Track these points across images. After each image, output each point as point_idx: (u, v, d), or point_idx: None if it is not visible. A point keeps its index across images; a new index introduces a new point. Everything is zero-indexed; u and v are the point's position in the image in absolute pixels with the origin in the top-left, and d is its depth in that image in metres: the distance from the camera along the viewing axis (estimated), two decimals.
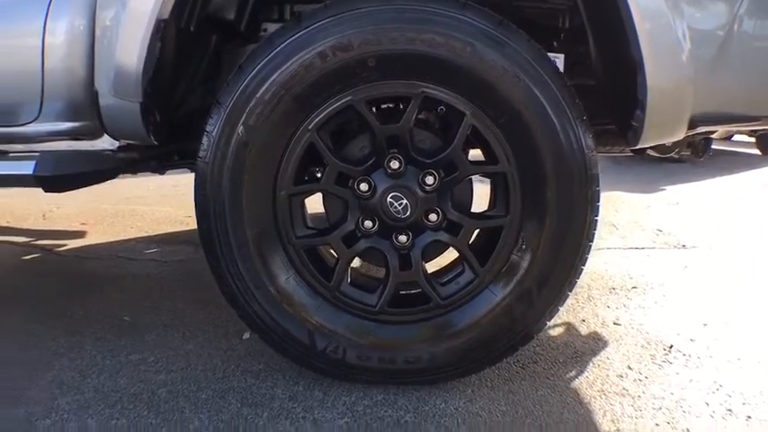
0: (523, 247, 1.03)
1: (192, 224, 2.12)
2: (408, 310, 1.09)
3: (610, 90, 1.18)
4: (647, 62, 0.97)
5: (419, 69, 0.98)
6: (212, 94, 1.28)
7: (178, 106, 1.28)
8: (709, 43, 1.02)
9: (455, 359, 1.07)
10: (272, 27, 1.35)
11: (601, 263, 1.91)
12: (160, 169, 1.55)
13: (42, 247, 2.10)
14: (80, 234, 2.26)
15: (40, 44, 1.14)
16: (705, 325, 1.37)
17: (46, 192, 1.27)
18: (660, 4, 0.96)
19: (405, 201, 1.03)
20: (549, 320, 1.07)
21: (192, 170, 1.11)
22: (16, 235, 2.26)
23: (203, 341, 1.30)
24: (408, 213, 1.04)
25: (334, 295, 1.07)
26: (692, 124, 1.05)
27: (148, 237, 2.21)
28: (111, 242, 2.14)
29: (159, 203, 2.76)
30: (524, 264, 1.03)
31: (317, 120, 1.02)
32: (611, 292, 1.65)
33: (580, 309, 1.52)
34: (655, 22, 0.97)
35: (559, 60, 1.18)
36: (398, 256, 1.07)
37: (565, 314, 1.46)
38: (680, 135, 1.07)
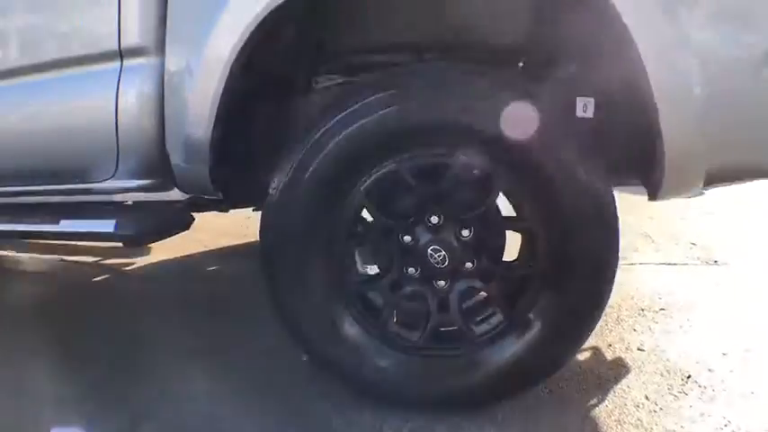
0: (550, 292, 1.16)
1: (251, 237, 2.32)
2: (447, 346, 1.24)
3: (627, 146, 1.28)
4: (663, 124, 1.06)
5: (460, 138, 1.11)
6: (272, 145, 1.43)
7: (244, 161, 1.45)
8: (726, 97, 1.08)
9: (488, 388, 1.21)
10: (322, 79, 1.50)
11: (634, 279, 2.01)
12: (227, 209, 1.74)
13: (110, 267, 2.32)
14: (146, 250, 2.47)
15: (114, 109, 1.31)
16: (725, 354, 1.47)
17: (126, 247, 1.45)
18: (674, 59, 1.04)
19: (443, 252, 1.18)
20: (577, 351, 1.20)
21: (259, 209, 1.28)
22: (84, 253, 2.47)
23: (268, 364, 1.49)
24: (446, 263, 1.19)
25: (381, 333, 1.23)
26: (709, 180, 1.15)
27: (211, 252, 2.42)
28: (176, 259, 2.36)
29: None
30: (552, 305, 1.17)
31: (367, 182, 1.17)
32: (639, 314, 1.76)
33: (608, 332, 1.64)
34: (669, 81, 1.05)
35: (590, 104, 1.29)
36: (437, 298, 1.22)
37: (594, 338, 1.58)
38: (697, 189, 1.17)
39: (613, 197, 1.13)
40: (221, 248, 2.47)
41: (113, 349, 1.62)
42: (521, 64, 1.44)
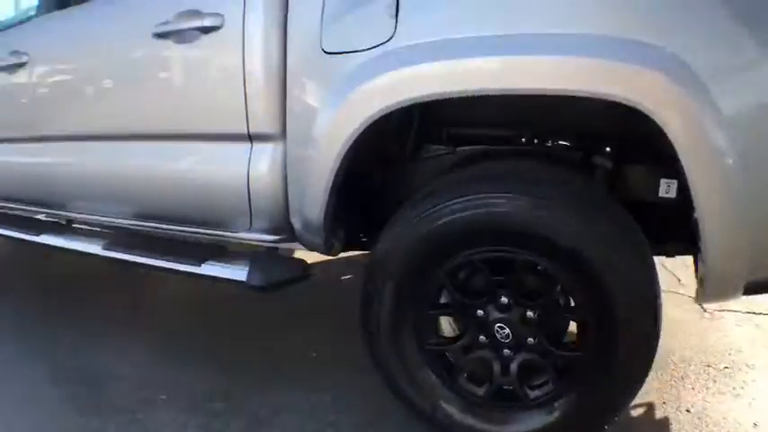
0: (598, 370, 1.38)
1: None
2: (505, 404, 1.49)
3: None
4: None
5: (538, 245, 1.31)
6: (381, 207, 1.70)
7: (356, 225, 1.76)
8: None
9: None
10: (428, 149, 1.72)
11: (716, 328, 2.13)
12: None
13: None
14: None
15: (246, 181, 1.66)
16: (755, 425, 1.60)
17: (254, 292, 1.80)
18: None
19: (507, 330, 1.43)
20: (610, 421, 1.41)
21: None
22: None
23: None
24: (511, 338, 1.43)
25: (453, 386, 1.51)
26: (748, 291, 1.29)
27: (343, 258, 2.71)
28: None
29: None
30: (599, 379, 1.38)
31: (450, 265, 1.43)
32: (704, 371, 1.89)
33: (668, 388, 1.80)
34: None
35: (673, 185, 1.43)
36: (501, 364, 1.47)
37: (654, 392, 1.76)
38: (737, 296, 1.31)
39: (658, 294, 1.30)
40: (352, 256, 2.73)
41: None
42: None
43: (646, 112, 1.14)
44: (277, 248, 1.84)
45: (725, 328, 2.14)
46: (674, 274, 2.61)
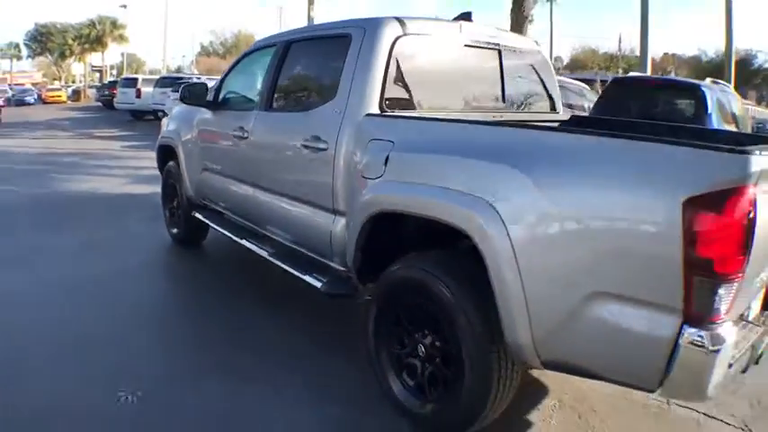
0: (455, 386, 2.35)
1: None
2: (419, 392, 2.53)
3: None
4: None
5: (426, 295, 2.40)
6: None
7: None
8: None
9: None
10: None
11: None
12: None
13: None
14: None
15: (330, 234, 2.98)
16: None
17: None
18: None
19: (423, 349, 2.48)
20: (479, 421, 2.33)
21: None
22: None
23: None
24: (424, 354, 2.48)
25: (398, 376, 2.60)
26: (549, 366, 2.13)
27: None
28: None
29: None
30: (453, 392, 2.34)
31: (402, 303, 2.55)
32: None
33: None
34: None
35: None
36: (420, 368, 2.52)
37: None
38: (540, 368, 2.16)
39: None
40: None
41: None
42: None
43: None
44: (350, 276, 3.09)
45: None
46: None
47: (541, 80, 3.79)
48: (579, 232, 1.90)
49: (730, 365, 1.80)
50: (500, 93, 3.47)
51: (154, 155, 5.77)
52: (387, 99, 2.86)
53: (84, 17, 56.70)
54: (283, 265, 3.39)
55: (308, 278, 3.15)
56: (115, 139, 16.47)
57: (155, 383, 2.84)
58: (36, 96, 45.08)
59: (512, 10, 15.77)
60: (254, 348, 3.27)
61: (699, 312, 1.69)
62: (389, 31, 2.89)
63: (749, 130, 7.84)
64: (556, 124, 3.34)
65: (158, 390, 2.79)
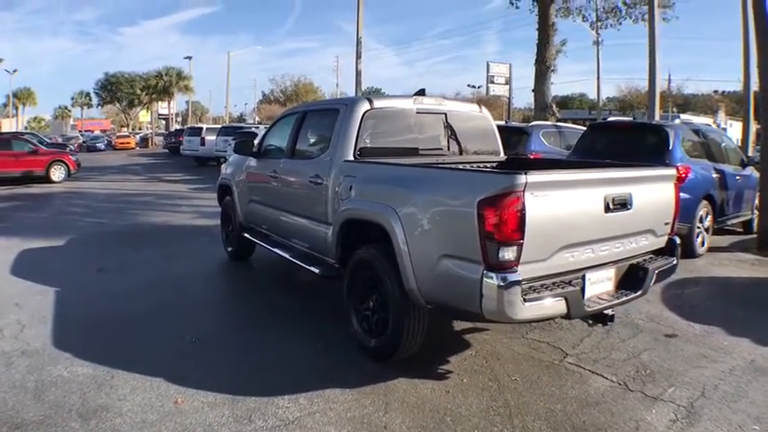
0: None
1: None
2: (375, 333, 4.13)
3: None
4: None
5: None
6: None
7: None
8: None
9: (380, 351, 4.05)
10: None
11: None
12: None
13: None
14: None
15: (325, 238, 4.69)
16: None
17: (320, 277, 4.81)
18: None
19: (372, 303, 4.10)
20: (398, 350, 3.90)
21: None
22: None
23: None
24: (373, 306, 4.10)
25: (361, 324, 4.22)
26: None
27: None
28: None
29: None
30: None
31: (363, 275, 4.20)
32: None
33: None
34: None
35: None
36: (372, 316, 4.12)
37: None
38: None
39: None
40: None
41: None
42: None
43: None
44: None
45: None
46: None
47: (484, 133, 5.43)
48: (432, 221, 3.55)
49: (525, 300, 3.30)
50: (445, 144, 5.12)
51: (215, 195, 7.74)
52: (359, 150, 4.57)
53: (150, 67, 61.00)
54: (297, 261, 5.12)
55: (312, 268, 4.85)
56: (182, 182, 19.04)
57: (212, 334, 4.60)
58: (106, 143, 49.53)
59: (535, 61, 17.55)
60: (276, 316, 5.04)
61: (491, 262, 3.23)
62: (361, 107, 4.63)
63: (738, 158, 9.06)
64: (473, 165, 4.99)
65: (213, 337, 4.53)
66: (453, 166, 3.71)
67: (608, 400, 3.42)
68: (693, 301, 5.63)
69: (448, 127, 5.14)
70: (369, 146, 4.65)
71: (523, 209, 3.16)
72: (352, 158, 4.54)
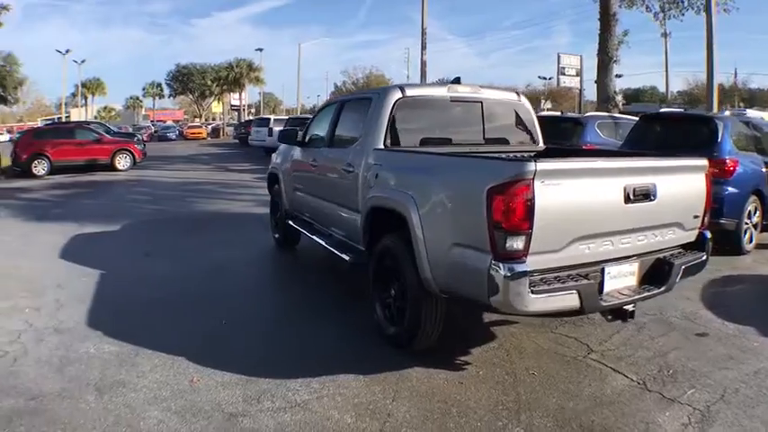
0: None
1: None
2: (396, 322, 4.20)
3: None
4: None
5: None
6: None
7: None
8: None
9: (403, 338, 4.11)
10: None
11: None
12: None
13: None
14: None
15: (357, 225, 4.78)
16: None
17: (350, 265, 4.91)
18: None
19: (394, 292, 4.16)
20: (418, 336, 3.94)
21: None
22: None
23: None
24: (395, 295, 4.16)
25: (384, 311, 4.30)
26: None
27: None
28: None
29: None
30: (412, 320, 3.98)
31: (387, 265, 4.27)
32: None
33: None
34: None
35: None
36: (394, 305, 4.18)
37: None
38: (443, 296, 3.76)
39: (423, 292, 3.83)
40: None
41: None
42: None
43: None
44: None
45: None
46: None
47: (522, 122, 5.33)
48: (445, 209, 3.57)
49: (533, 292, 3.25)
50: (480, 132, 5.07)
51: None
52: (389, 139, 4.61)
53: (222, 59, 62.34)
54: (332, 249, 5.25)
55: (343, 255, 4.97)
56: (248, 172, 19.71)
57: (241, 319, 4.83)
58: (177, 133, 51.65)
59: (597, 52, 17.00)
60: (309, 302, 5.23)
61: (499, 252, 3.20)
62: (393, 96, 4.67)
63: None
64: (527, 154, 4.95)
65: (242, 322, 4.75)
66: (470, 153, 3.68)
67: (623, 400, 3.33)
68: (733, 299, 5.37)
69: (484, 115, 5.09)
70: (400, 134, 4.69)
71: (533, 197, 3.12)
72: (381, 147, 4.61)
